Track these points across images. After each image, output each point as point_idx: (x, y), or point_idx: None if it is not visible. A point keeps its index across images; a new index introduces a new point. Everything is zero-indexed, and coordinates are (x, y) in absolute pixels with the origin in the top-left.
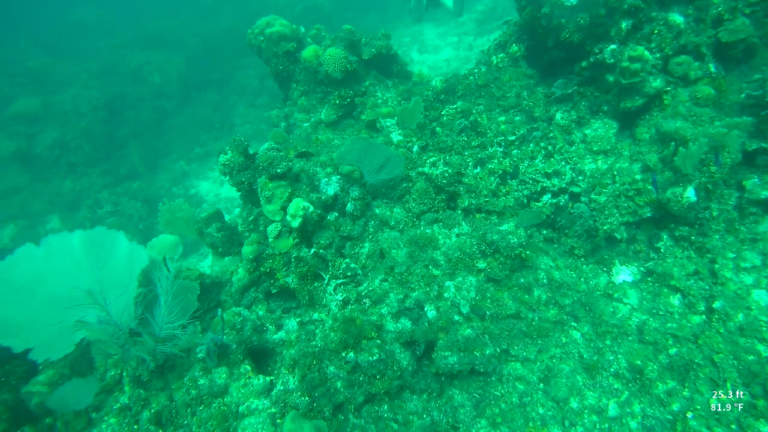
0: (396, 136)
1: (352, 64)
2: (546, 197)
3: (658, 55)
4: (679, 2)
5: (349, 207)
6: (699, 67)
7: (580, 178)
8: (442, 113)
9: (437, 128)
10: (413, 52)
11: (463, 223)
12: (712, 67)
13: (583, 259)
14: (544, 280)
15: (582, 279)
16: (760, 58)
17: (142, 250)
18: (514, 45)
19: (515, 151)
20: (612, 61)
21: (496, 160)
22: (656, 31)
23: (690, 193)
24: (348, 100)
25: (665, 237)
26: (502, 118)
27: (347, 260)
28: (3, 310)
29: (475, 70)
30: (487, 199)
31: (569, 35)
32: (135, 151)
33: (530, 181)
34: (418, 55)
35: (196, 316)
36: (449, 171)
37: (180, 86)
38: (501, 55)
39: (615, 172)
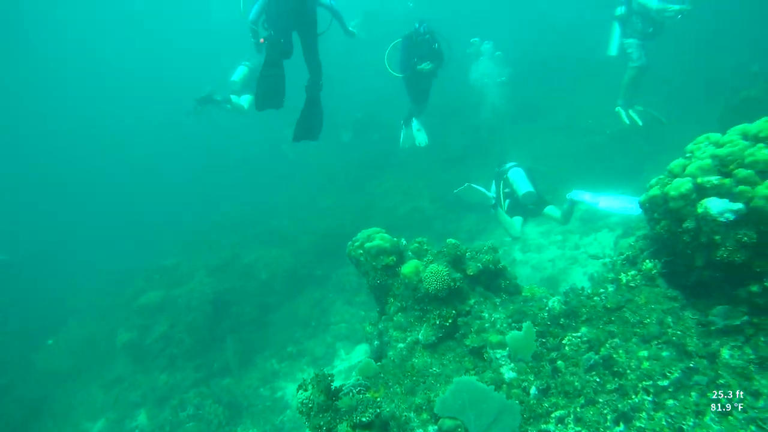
0: (508, 372)
1: (455, 281)
2: None
3: None
4: None
5: None
6: None
7: None
8: (564, 342)
9: (559, 362)
10: (516, 251)
11: None
12: None
13: None
14: None
15: None
16: None
17: None
18: (647, 261)
19: (671, 401)
20: None
21: (645, 415)
22: None
23: None
24: (450, 320)
25: None
26: (644, 353)
27: None
28: None
29: (601, 290)
30: None
31: (728, 254)
32: (231, 347)
33: None
34: (521, 255)
35: None
36: None
37: (284, 282)
38: (632, 272)
39: None
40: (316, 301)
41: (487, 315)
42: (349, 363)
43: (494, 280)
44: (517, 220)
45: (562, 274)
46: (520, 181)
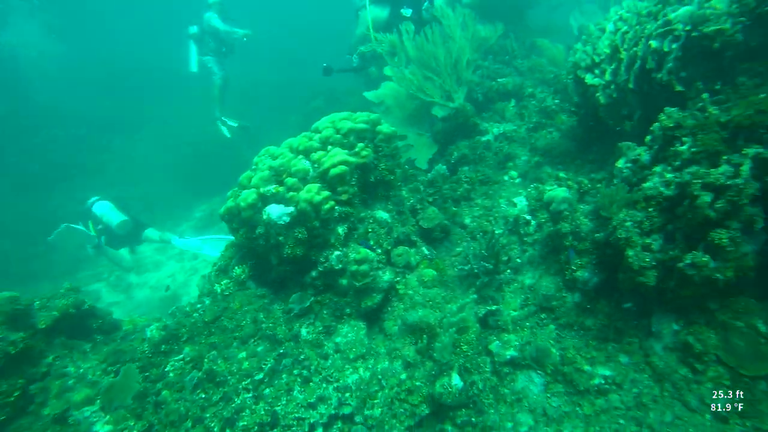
0: (102, 428)
1: (16, 345)
2: None
3: (379, 251)
4: (379, 200)
5: None
6: (416, 252)
7: (347, 395)
8: (167, 369)
9: (164, 392)
10: (131, 275)
11: None
12: (425, 250)
13: None
14: None
15: None
16: (454, 235)
17: None
18: (236, 267)
19: (267, 390)
20: (340, 266)
21: (247, 412)
22: (370, 230)
23: (456, 380)
24: (16, 394)
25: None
26: (243, 354)
27: None
28: None
29: (198, 305)
30: None
31: (291, 251)
32: None
33: (294, 423)
34: (137, 278)
35: None
36: None
37: None
38: (225, 281)
39: (380, 377)
40: None
41: (73, 369)
42: None
43: (83, 323)
44: (124, 251)
45: (184, 288)
46: (109, 213)
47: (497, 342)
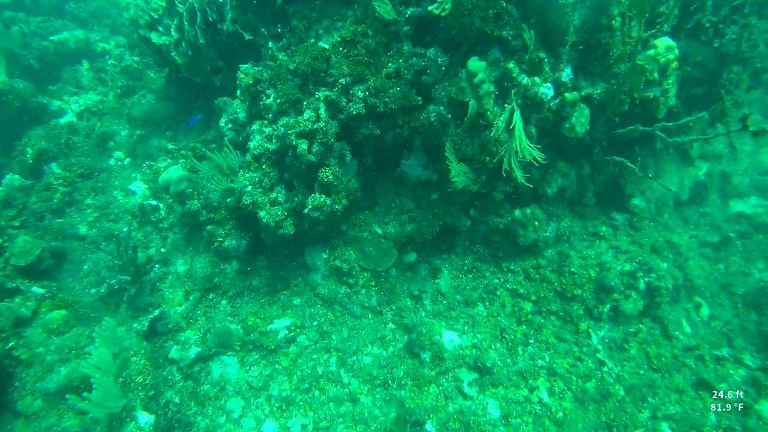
0: None
1: None
2: None
3: None
4: None
5: None
6: (23, 299)
7: None
8: None
9: None
10: None
11: None
12: (38, 290)
13: None
14: None
15: None
16: (73, 252)
17: None
18: None
19: None
20: None
21: None
22: None
23: (143, 419)
24: None
25: None
26: None
27: None
28: None
29: None
30: None
31: None
32: None
33: None
34: None
35: None
36: None
37: None
38: None
39: None
40: None
41: None
42: None
43: None
44: None
45: None
46: None
47: (175, 347)
